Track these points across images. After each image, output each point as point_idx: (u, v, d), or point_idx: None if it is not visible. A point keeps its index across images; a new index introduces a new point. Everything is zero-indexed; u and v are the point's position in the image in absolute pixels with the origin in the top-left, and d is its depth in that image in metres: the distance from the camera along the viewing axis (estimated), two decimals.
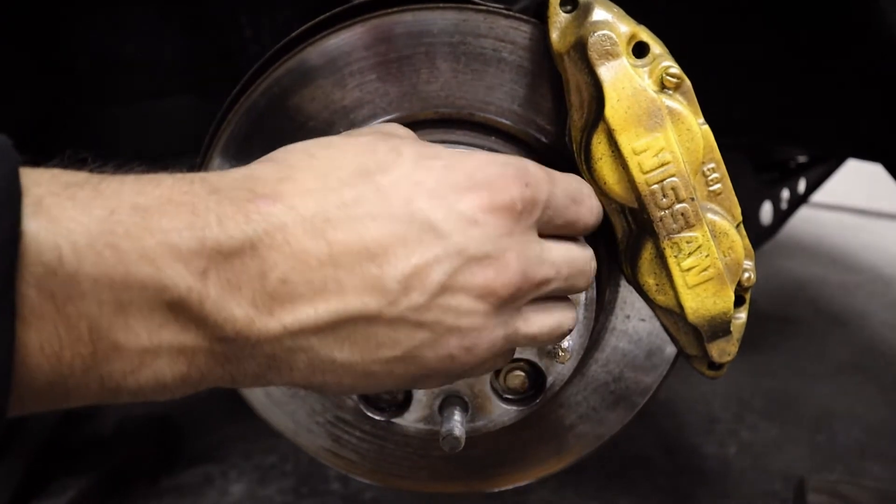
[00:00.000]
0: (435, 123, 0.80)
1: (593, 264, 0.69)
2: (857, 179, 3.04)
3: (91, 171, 0.53)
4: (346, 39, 0.78)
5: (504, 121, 0.79)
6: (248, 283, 0.51)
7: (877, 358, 2.08)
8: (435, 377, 0.62)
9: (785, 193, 1.93)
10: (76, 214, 0.47)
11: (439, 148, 0.63)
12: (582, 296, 0.77)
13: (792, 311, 2.34)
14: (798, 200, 1.93)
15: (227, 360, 0.53)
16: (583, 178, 0.73)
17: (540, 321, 0.65)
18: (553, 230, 0.65)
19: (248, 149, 0.82)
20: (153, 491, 1.58)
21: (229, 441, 1.72)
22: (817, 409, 1.83)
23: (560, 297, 0.68)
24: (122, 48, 1.47)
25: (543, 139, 0.80)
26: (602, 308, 0.85)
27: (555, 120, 0.79)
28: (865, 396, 1.89)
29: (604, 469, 1.59)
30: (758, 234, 1.91)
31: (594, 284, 0.77)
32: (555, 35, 0.73)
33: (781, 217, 1.93)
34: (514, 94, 0.79)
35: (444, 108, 0.79)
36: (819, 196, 2.93)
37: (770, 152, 1.84)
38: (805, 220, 3.04)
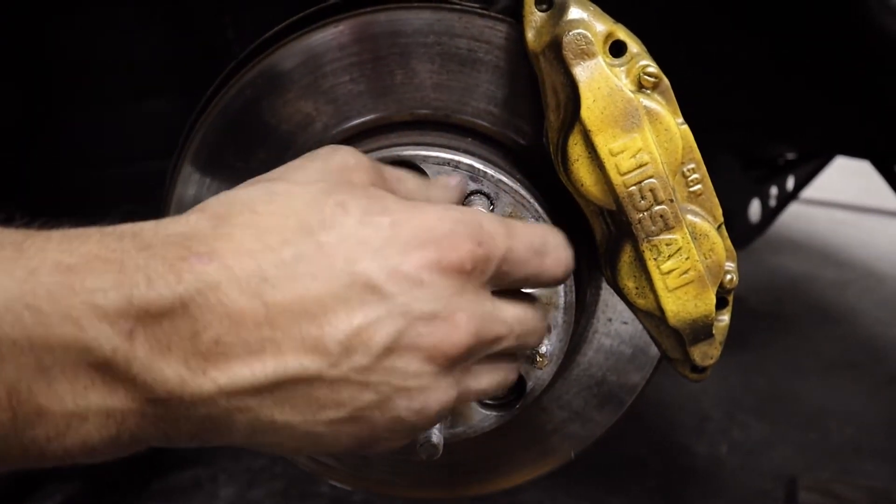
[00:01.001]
0: (410, 125, 0.79)
1: (547, 323, 0.70)
2: (848, 175, 3.04)
3: (18, 226, 0.51)
4: (319, 40, 0.77)
5: (481, 122, 0.78)
6: (179, 344, 0.50)
7: (869, 355, 2.08)
8: (385, 441, 0.60)
9: (773, 191, 1.92)
10: None
11: (390, 201, 0.59)
12: (561, 299, 0.76)
13: (783, 309, 2.33)
14: (787, 198, 1.93)
15: (160, 420, 0.51)
16: (560, 179, 0.72)
17: (489, 377, 0.64)
18: (512, 285, 0.64)
19: (220, 152, 0.80)
20: (143, 495, 1.57)
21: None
22: (809, 408, 1.83)
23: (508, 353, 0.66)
24: (103, 49, 1.45)
25: (521, 141, 0.78)
26: (583, 311, 0.84)
27: (532, 121, 0.77)
28: (858, 394, 1.89)
29: (594, 469, 1.59)
30: (746, 232, 1.90)
31: (573, 287, 0.76)
32: (530, 34, 0.71)
33: (770, 214, 1.92)
34: (490, 95, 0.77)
35: (420, 109, 0.78)
36: (810, 192, 2.92)
37: (758, 150, 1.83)
38: (796, 217, 3.03)
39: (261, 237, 0.53)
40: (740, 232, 1.85)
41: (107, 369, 0.48)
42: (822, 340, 2.15)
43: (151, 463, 1.62)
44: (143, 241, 0.51)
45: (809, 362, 2.02)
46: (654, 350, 0.86)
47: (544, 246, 0.65)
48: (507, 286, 0.63)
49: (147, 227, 0.53)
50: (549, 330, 0.76)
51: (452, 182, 0.72)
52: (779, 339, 2.14)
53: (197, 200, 0.82)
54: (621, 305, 0.83)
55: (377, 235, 0.56)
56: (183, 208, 0.82)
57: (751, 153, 1.79)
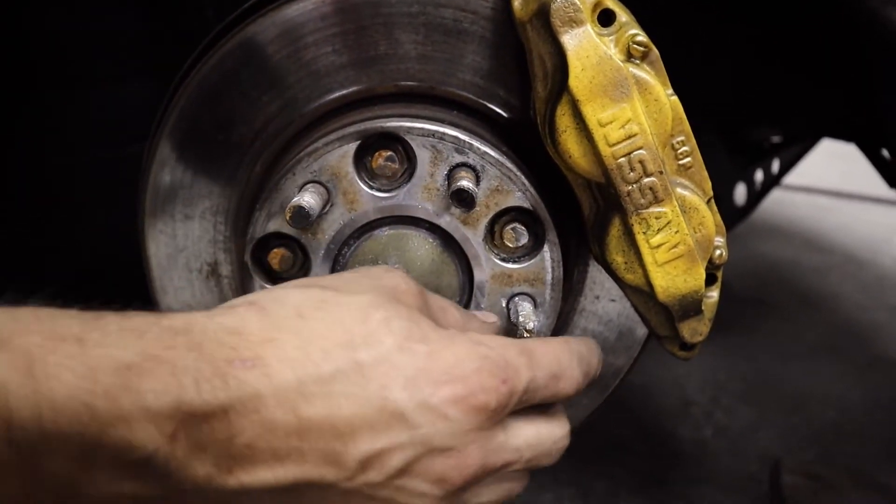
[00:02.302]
0: (395, 97, 0.77)
1: (564, 442, 0.70)
2: (830, 161, 3.05)
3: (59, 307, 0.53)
4: (299, 10, 0.75)
5: (467, 94, 0.76)
6: (214, 445, 0.53)
7: (850, 339, 2.09)
8: None
9: (759, 174, 1.92)
10: (58, 372, 0.48)
11: (429, 329, 0.62)
12: (548, 275, 0.74)
13: (766, 294, 2.33)
14: (772, 181, 1.93)
15: (177, 501, 0.55)
16: (547, 151, 0.70)
17: (489, 494, 0.66)
18: (529, 405, 0.66)
19: (199, 125, 0.78)
20: None
21: None
22: (792, 391, 1.83)
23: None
24: (78, 31, 1.42)
25: (508, 113, 0.77)
26: (570, 289, 0.82)
27: (520, 93, 0.76)
28: (840, 377, 1.89)
29: (580, 453, 1.58)
30: (732, 215, 1.90)
31: (560, 262, 0.74)
32: (517, 3, 0.70)
33: (755, 198, 1.92)
34: (476, 66, 0.76)
35: (404, 81, 0.76)
36: (793, 178, 2.93)
37: (744, 133, 1.83)
38: (779, 203, 3.04)
39: (304, 347, 0.56)
40: (726, 215, 1.85)
41: (146, 465, 0.51)
42: (804, 325, 2.15)
43: None
44: (193, 339, 0.54)
45: (792, 346, 2.03)
46: (641, 330, 0.85)
47: (561, 369, 0.67)
48: (524, 407, 0.66)
49: (198, 322, 0.56)
50: (535, 306, 0.75)
51: (490, 319, 0.75)
52: (762, 324, 2.14)
53: (175, 173, 0.80)
54: (609, 283, 0.81)
55: (412, 364, 0.59)
56: (160, 184, 0.80)
57: (736, 137, 1.79)
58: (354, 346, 0.58)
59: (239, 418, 0.53)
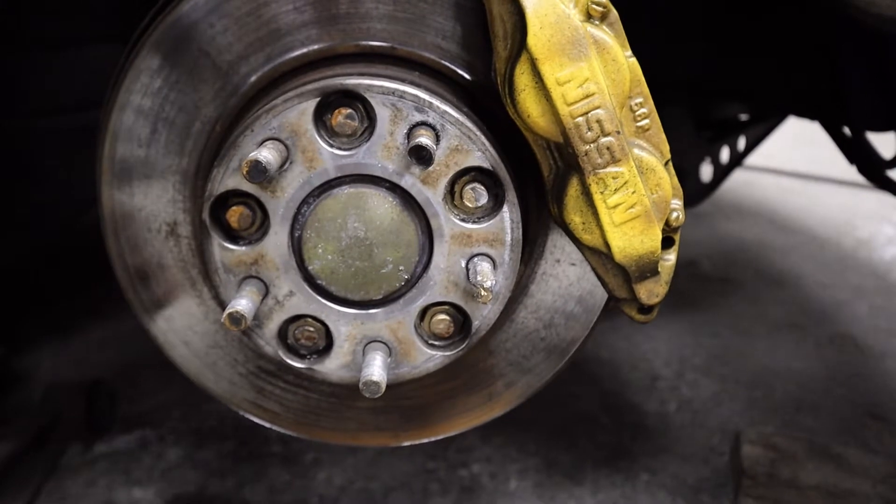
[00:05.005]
0: (357, 57, 0.76)
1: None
2: (797, 145, 3.10)
3: None
4: None
5: (428, 55, 0.76)
6: None
7: (811, 316, 2.13)
8: None
9: (725, 152, 1.95)
10: None
11: None
12: (507, 236, 0.74)
13: (732, 272, 2.37)
14: (738, 159, 1.95)
15: None
16: (507, 112, 0.70)
17: None
18: None
19: (155, 87, 0.77)
20: (86, 458, 1.54)
21: (168, 404, 1.68)
22: (755, 366, 1.87)
23: None
24: None
25: (468, 75, 0.77)
26: (532, 253, 0.83)
27: (482, 55, 0.76)
28: (801, 353, 1.93)
29: (546, 426, 1.60)
30: (698, 192, 1.92)
31: (520, 223, 0.75)
32: None
33: (721, 174, 1.95)
34: (438, 27, 0.75)
35: (366, 41, 0.76)
36: (761, 160, 2.96)
37: (711, 110, 1.85)
38: (747, 184, 3.08)
39: None
40: (693, 191, 1.88)
41: None
42: (768, 303, 2.19)
43: (94, 424, 1.58)
44: None
45: (756, 323, 2.07)
46: (600, 293, 0.86)
47: None
48: None
49: None
50: (494, 266, 0.75)
51: None
52: (728, 301, 2.18)
53: (133, 133, 0.79)
54: (570, 247, 0.82)
55: None
56: (117, 144, 0.79)
57: (703, 113, 1.80)
58: None
59: None
